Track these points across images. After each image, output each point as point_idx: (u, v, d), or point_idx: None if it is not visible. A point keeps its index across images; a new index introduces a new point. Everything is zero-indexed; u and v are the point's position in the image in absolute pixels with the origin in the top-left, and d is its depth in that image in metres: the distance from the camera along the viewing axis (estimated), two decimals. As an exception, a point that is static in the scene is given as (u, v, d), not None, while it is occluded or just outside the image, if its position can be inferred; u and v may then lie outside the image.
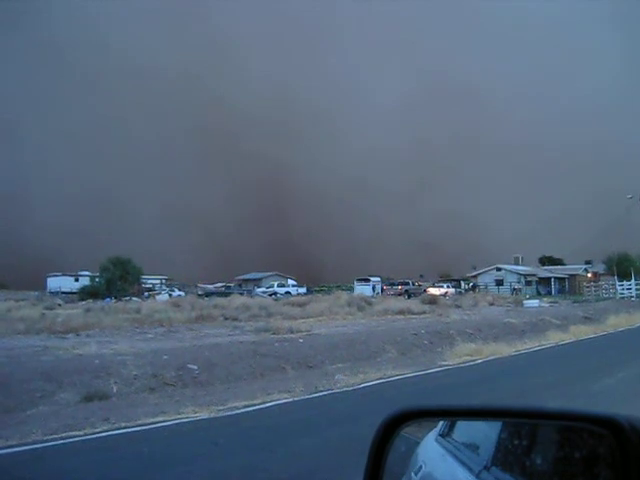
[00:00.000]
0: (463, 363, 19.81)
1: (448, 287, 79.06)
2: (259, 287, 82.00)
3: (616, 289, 70.76)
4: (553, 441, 2.03)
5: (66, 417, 12.36)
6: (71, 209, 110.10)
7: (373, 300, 49.47)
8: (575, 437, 1.87)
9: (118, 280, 69.54)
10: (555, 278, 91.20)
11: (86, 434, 10.74)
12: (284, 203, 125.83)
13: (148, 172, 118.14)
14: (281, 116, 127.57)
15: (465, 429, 2.72)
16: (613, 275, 75.30)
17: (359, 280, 79.80)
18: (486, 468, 2.33)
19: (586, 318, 37.19)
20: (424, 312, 39.03)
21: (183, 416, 12.09)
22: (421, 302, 47.20)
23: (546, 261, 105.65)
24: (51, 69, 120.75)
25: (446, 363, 19.86)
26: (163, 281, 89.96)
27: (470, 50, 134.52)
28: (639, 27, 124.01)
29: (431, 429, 2.84)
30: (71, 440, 10.29)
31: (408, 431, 2.46)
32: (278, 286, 79.47)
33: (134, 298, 59.97)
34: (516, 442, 2.24)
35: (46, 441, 10.26)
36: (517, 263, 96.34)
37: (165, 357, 18.06)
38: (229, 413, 12.39)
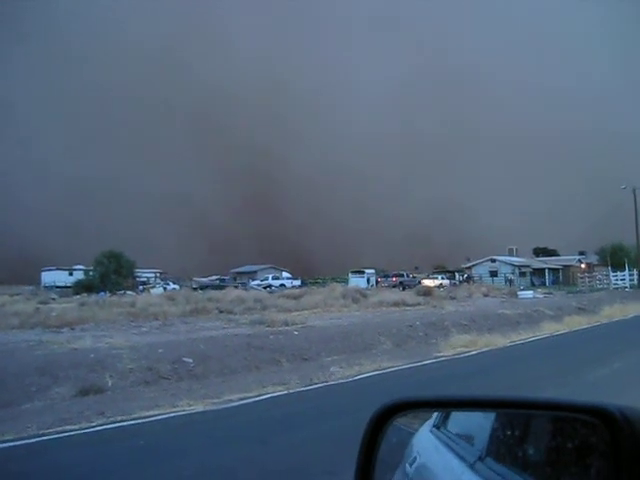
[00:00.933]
0: (458, 354, 19.86)
1: (443, 279, 79.07)
2: (254, 280, 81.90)
3: (610, 280, 70.97)
4: (546, 431, 2.03)
5: (61, 411, 12.36)
6: (63, 203, 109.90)
7: (368, 292, 49.39)
8: (568, 427, 1.88)
9: (112, 274, 69.29)
10: (549, 269, 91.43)
11: (81, 428, 10.75)
12: (277, 195, 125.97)
13: (141, 165, 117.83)
14: (273, 106, 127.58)
15: (459, 420, 2.72)
16: (607, 266, 75.49)
17: (354, 272, 79.77)
18: (480, 459, 2.34)
19: (580, 309, 37.31)
20: (419, 304, 39.07)
21: (178, 409, 12.10)
22: (416, 294, 47.23)
23: (540, 252, 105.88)
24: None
25: (441, 354, 19.92)
26: (157, 274, 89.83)
27: (464, 37, 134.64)
28: (634, 16, 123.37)
29: (425, 420, 2.85)
30: (66, 434, 10.30)
31: (402, 422, 2.47)
32: (273, 279, 79.36)
33: (129, 292, 59.85)
34: (509, 433, 2.25)
35: (41, 435, 10.27)
36: (511, 254, 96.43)
37: (160, 350, 18.05)
38: (224, 406, 12.39)
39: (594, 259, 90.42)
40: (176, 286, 69.99)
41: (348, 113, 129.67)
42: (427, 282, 70.31)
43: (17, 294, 55.35)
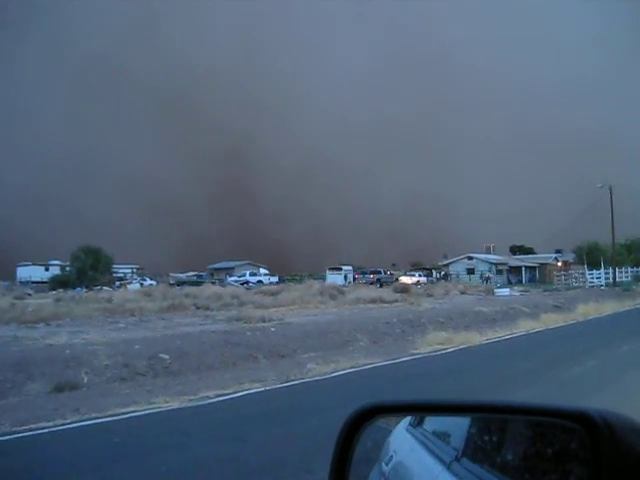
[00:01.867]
0: (434, 352, 19.94)
1: (420, 276, 79.50)
2: (231, 276, 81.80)
3: (586, 278, 71.69)
4: (525, 435, 2.01)
5: (36, 408, 12.23)
6: (36, 196, 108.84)
7: (345, 289, 49.39)
8: (547, 432, 1.86)
9: (89, 269, 68.89)
10: (526, 267, 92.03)
11: (56, 425, 10.65)
12: (255, 188, 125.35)
13: (115, 151, 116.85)
14: (251, 91, 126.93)
15: (436, 420, 2.71)
16: (583, 264, 76.22)
17: (331, 269, 79.68)
18: (457, 459, 2.33)
19: (556, 307, 37.63)
20: (396, 301, 39.12)
21: (155, 406, 12.03)
22: (393, 291, 47.29)
23: (517, 250, 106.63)
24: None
25: (417, 352, 19.99)
26: (134, 270, 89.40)
27: (445, 23, 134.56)
28: (612, 16, 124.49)
29: (402, 419, 2.83)
30: (40, 431, 10.19)
31: (379, 420, 2.44)
32: (250, 275, 79.25)
33: (105, 287, 59.38)
34: (487, 437, 2.23)
35: (15, 432, 10.17)
36: (488, 252, 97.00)
37: (136, 347, 17.93)
38: (201, 403, 12.36)
39: (570, 257, 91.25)
40: (153, 282, 69.62)
41: (329, 105, 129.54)
42: (404, 279, 70.64)
43: (-8, 289, 54.78)
